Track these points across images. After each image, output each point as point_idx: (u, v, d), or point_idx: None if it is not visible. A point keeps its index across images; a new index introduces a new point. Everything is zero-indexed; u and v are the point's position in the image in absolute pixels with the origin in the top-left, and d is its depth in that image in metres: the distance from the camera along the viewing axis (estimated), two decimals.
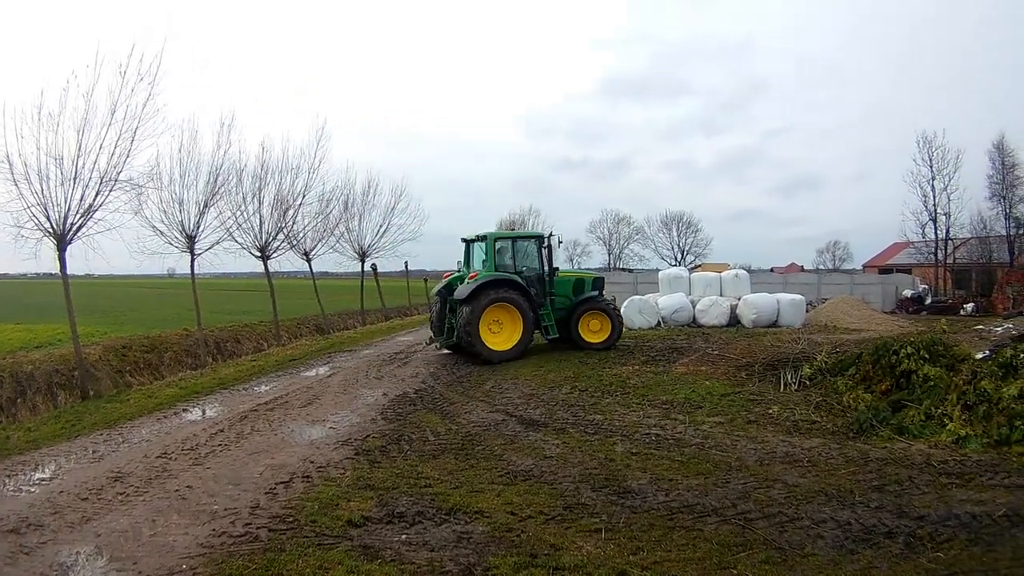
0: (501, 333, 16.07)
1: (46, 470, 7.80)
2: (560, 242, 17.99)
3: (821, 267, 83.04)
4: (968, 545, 5.32)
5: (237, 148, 19.93)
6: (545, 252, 17.32)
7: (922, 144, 42.35)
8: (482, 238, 17.04)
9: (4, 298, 41.66)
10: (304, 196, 22.96)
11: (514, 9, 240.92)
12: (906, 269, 48.60)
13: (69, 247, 12.74)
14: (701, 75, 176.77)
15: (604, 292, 18.92)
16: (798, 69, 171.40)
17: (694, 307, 24.29)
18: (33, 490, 7.06)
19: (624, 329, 18.36)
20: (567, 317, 17.33)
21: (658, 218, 79.67)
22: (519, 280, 16.32)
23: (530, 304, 16.25)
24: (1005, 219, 42.22)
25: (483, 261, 16.75)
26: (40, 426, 10.40)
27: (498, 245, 17.02)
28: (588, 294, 17.81)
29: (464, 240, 17.92)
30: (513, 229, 61.28)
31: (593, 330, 17.24)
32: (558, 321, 17.23)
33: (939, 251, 42.86)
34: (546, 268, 17.19)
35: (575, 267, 64.63)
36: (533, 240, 17.65)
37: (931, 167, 42.02)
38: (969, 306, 32.50)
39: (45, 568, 5.13)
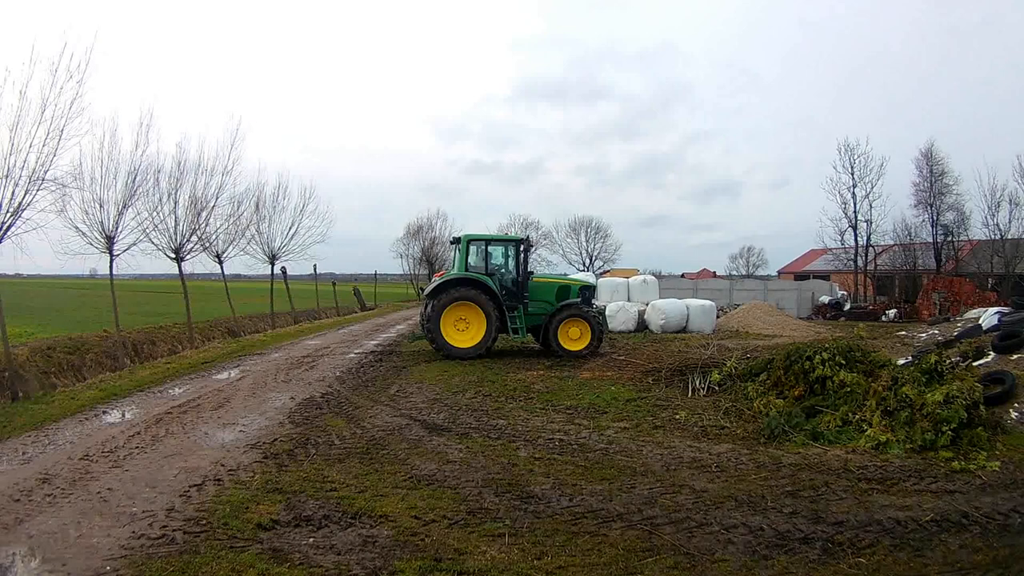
0: (467, 331, 17.15)
1: None
2: (528, 247, 18.50)
3: (735, 273, 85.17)
4: (893, 550, 5.49)
5: (155, 148, 20.25)
6: (522, 256, 17.81)
7: (843, 151, 44.70)
8: (456, 240, 17.99)
9: None
10: (218, 198, 23.27)
11: (426, 9, 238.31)
12: (824, 276, 50.32)
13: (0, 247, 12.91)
14: (621, 80, 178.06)
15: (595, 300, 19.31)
16: (719, 75, 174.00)
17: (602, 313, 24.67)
18: None
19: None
20: (547, 323, 17.80)
21: (567, 223, 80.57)
22: (485, 280, 17.22)
23: (495, 305, 17.06)
24: (932, 226, 44.10)
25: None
26: None
27: (472, 247, 17.98)
28: (570, 301, 18.14)
29: (452, 242, 18.67)
30: (420, 232, 61.69)
31: (572, 337, 17.71)
32: (537, 327, 17.88)
33: (859, 258, 44.38)
34: (521, 272, 17.70)
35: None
36: (510, 244, 18.36)
37: (852, 174, 44.28)
38: (891, 312, 33.92)
39: None
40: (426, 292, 17.76)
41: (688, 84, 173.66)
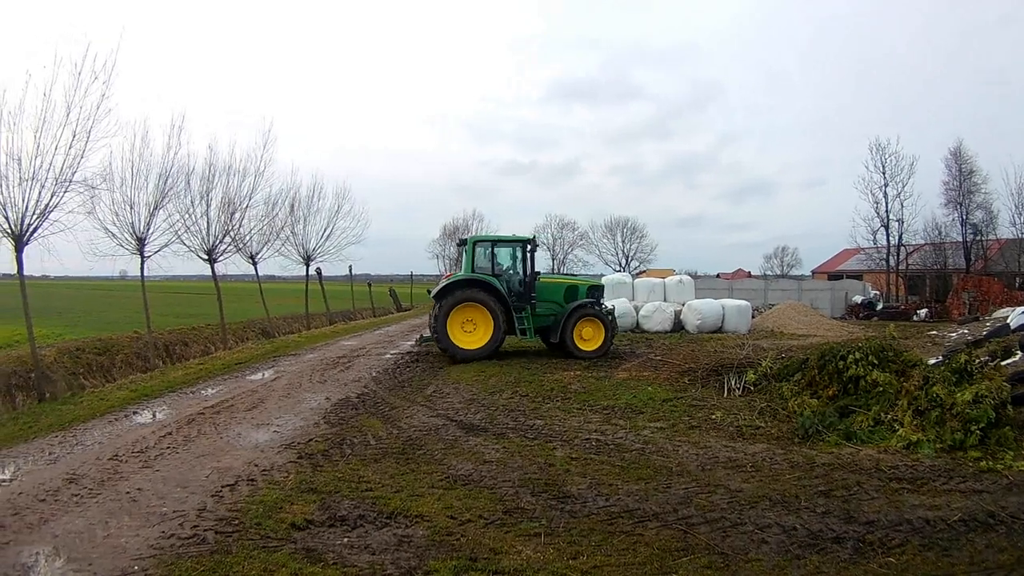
0: (475, 332, 16.68)
1: (6, 471, 7.90)
2: (535, 247, 18.15)
3: (769, 273, 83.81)
4: (921, 550, 5.42)
5: (186, 150, 19.94)
6: (529, 257, 17.57)
7: (875, 151, 43.36)
8: (463, 242, 17.84)
9: None
10: (251, 199, 23.06)
11: (454, 10, 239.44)
12: (857, 275, 49.09)
13: (25, 248, 12.81)
14: (653, 80, 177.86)
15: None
16: (751, 74, 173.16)
17: (637, 313, 24.33)
18: None
19: None
20: (556, 324, 17.32)
21: (603, 223, 79.82)
22: (491, 282, 16.82)
23: (502, 306, 16.65)
24: (961, 225, 42.88)
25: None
26: (0, 427, 10.46)
27: (478, 248, 17.59)
28: (583, 300, 17.66)
29: (459, 244, 18.20)
30: (456, 234, 61.86)
31: (585, 338, 17.23)
32: (545, 327, 17.48)
33: (891, 257, 43.51)
34: (528, 272, 17.36)
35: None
36: (517, 245, 17.88)
37: (884, 174, 42.99)
38: (922, 312, 33.20)
39: (7, 568, 5.22)
40: (432, 294, 17.38)
41: (720, 83, 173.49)
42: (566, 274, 20.46)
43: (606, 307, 18.65)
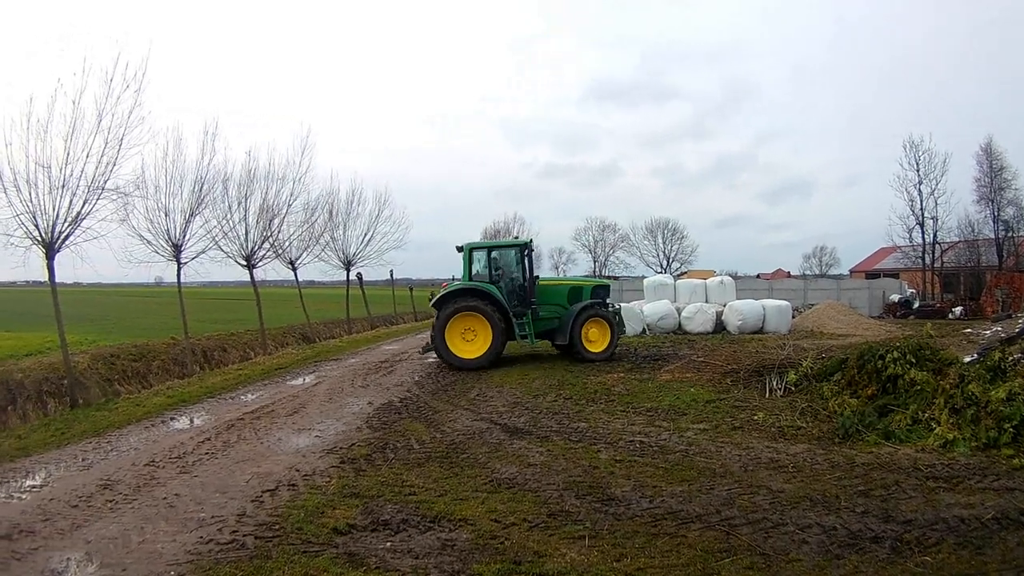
0: (475, 341, 16.28)
1: (37, 477, 7.80)
2: (531, 251, 17.82)
3: (808, 273, 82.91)
4: (956, 549, 5.35)
5: (222, 156, 19.90)
6: (527, 261, 17.15)
7: (908, 148, 42.65)
8: (460, 249, 17.32)
9: None
10: (290, 205, 22.88)
11: (489, 12, 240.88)
12: (893, 274, 48.64)
13: (57, 255, 12.65)
14: (689, 80, 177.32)
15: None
16: (785, 72, 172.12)
17: (679, 314, 24.08)
18: (24, 497, 7.06)
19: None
20: (562, 326, 16.92)
21: (643, 225, 79.66)
22: (489, 289, 16.49)
23: (501, 314, 16.27)
24: (993, 222, 42.56)
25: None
26: (30, 433, 10.34)
27: (475, 255, 17.33)
28: (585, 302, 17.20)
29: (457, 250, 17.91)
30: (498, 237, 61.79)
31: (591, 339, 16.82)
32: (551, 331, 17.13)
33: (926, 255, 42.91)
34: (527, 277, 17.00)
35: (560, 275, 64.77)
36: (513, 249, 17.57)
37: (918, 171, 42.32)
38: (957, 310, 32.70)
39: (36, 574, 5.16)
40: (432, 303, 17.10)
41: (755, 82, 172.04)
42: (565, 277, 19.63)
43: (613, 307, 18.28)
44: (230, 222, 20.31)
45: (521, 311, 16.71)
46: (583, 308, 16.92)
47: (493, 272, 17.15)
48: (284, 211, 22.76)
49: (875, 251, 65.65)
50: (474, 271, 17.22)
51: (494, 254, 17.49)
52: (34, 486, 7.47)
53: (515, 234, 65.93)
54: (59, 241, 12.52)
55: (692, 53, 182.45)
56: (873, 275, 53.42)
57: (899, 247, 48.38)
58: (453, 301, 16.38)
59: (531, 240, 17.67)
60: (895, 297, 36.38)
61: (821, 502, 6.42)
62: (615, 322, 17.20)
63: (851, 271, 69.42)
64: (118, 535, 5.85)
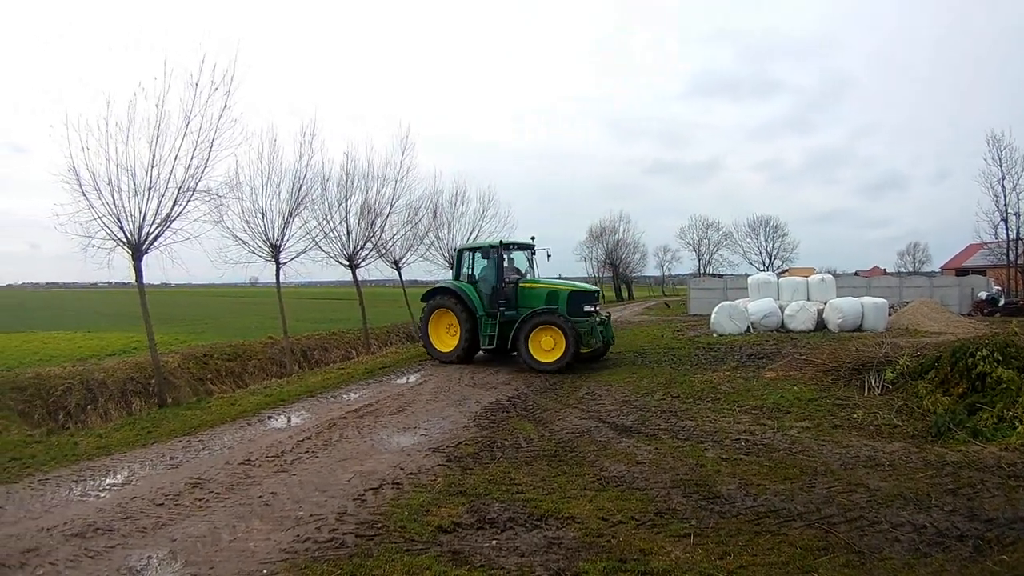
0: (454, 337, 17.04)
1: (118, 476, 7.66)
2: (548, 256, 17.83)
3: (902, 269, 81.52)
4: None
5: (320, 157, 19.75)
6: (508, 261, 17.22)
7: (991, 143, 40.87)
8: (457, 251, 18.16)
9: (75, 307, 42.86)
10: (392, 205, 22.79)
11: (594, 6, 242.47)
12: (981, 271, 47.81)
13: (145, 257, 12.52)
14: (791, 73, 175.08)
15: (597, 307, 17.02)
16: (883, 66, 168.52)
17: (783, 312, 23.75)
18: (103, 495, 6.91)
19: (714, 335, 17.12)
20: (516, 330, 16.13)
21: (746, 223, 79.19)
22: (462, 288, 16.97)
23: (467, 313, 16.68)
24: None
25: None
26: (112, 433, 10.19)
27: (464, 255, 18.01)
28: (537, 308, 16.07)
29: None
30: (603, 236, 61.69)
31: (545, 348, 15.68)
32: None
33: (1010, 252, 41.32)
34: (498, 278, 16.85)
35: (664, 272, 63.82)
36: (490, 250, 17.49)
37: (1000, 166, 40.60)
38: None
39: (111, 572, 4.99)
40: (421, 297, 18.03)
41: (854, 75, 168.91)
42: (550, 279, 18.24)
43: (599, 316, 16.83)
44: (331, 222, 20.31)
45: (493, 312, 16.64)
46: (531, 314, 15.92)
47: (473, 273, 17.53)
48: (386, 211, 22.76)
49: (964, 247, 64.38)
50: (464, 271, 17.70)
51: (477, 255, 17.82)
52: (115, 484, 7.33)
53: (620, 234, 65.53)
54: (146, 243, 12.37)
55: (793, 47, 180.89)
56: (962, 272, 52.34)
57: (986, 244, 46.56)
58: (433, 297, 17.36)
59: (502, 241, 17.21)
60: (982, 294, 35.70)
61: (913, 500, 6.44)
62: (570, 330, 15.54)
63: (942, 268, 68.14)
64: (207, 533, 5.70)
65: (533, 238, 17.74)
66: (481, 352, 17.37)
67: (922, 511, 6.10)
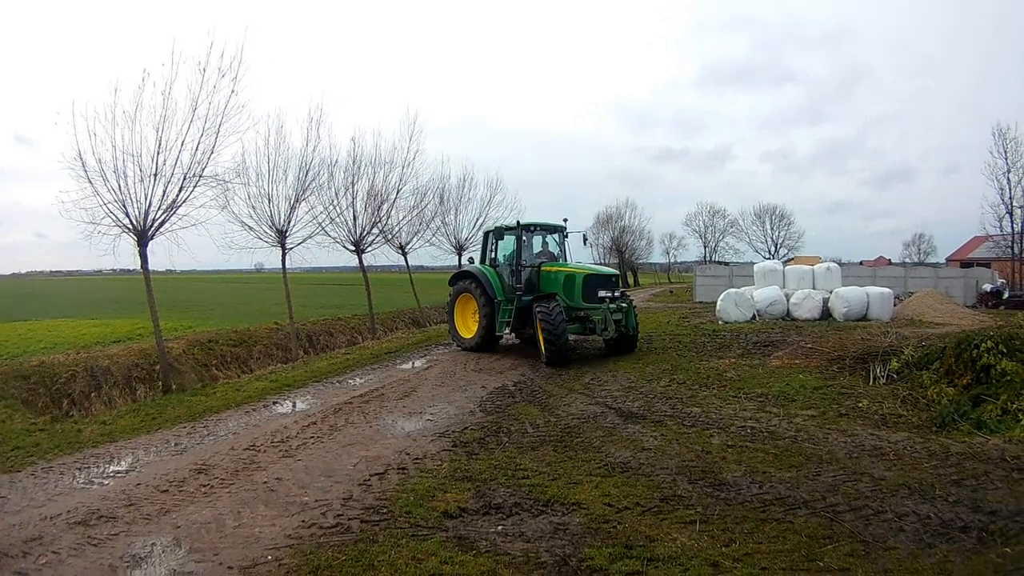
0: (478, 323, 16.37)
1: (122, 463, 7.64)
2: (585, 239, 17.53)
3: (907, 260, 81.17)
4: None
5: (327, 143, 19.65)
6: (525, 243, 16.18)
7: (997, 136, 40.72)
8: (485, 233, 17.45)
9: (79, 294, 42.96)
10: (399, 190, 22.71)
11: None
12: (985, 263, 47.81)
13: (150, 243, 12.51)
14: (805, 63, 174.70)
15: (616, 292, 15.63)
16: (897, 57, 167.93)
17: (788, 300, 23.64)
18: (106, 482, 6.90)
19: (720, 322, 16.88)
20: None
21: (752, 211, 78.56)
22: (483, 272, 16.37)
23: (486, 298, 15.96)
24: None
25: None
26: (116, 419, 10.18)
27: (488, 238, 17.28)
28: (548, 293, 15.18)
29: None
30: (609, 223, 61.69)
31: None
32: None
33: (1015, 245, 41.30)
34: (517, 262, 15.81)
35: (671, 259, 64.81)
36: (512, 232, 16.45)
37: (1006, 159, 40.47)
38: None
39: (114, 559, 4.98)
40: (449, 281, 17.65)
41: (869, 66, 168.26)
42: (575, 263, 16.67)
43: (616, 302, 15.44)
44: (337, 208, 20.25)
45: (512, 297, 15.77)
46: (538, 298, 14.99)
47: (498, 256, 16.85)
48: (393, 196, 22.67)
49: (969, 239, 64.18)
50: (488, 254, 17.05)
51: (502, 238, 17.05)
52: (118, 471, 7.32)
53: (626, 220, 65.34)
54: (152, 228, 12.37)
55: (810, 35, 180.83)
56: (967, 264, 52.26)
57: (991, 236, 46.49)
58: (456, 283, 16.97)
59: (519, 222, 16.08)
60: (986, 287, 35.72)
61: (918, 490, 6.46)
62: (543, 318, 14.32)
63: (947, 260, 68.30)
64: (211, 519, 5.71)
65: (565, 220, 16.85)
66: (505, 340, 16.81)
67: (926, 501, 6.14)
